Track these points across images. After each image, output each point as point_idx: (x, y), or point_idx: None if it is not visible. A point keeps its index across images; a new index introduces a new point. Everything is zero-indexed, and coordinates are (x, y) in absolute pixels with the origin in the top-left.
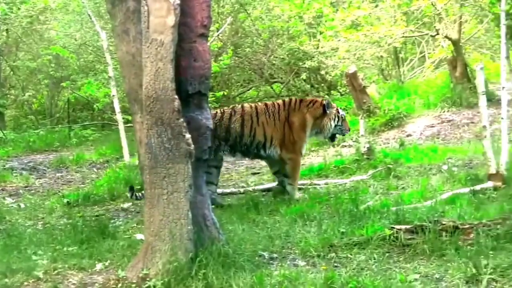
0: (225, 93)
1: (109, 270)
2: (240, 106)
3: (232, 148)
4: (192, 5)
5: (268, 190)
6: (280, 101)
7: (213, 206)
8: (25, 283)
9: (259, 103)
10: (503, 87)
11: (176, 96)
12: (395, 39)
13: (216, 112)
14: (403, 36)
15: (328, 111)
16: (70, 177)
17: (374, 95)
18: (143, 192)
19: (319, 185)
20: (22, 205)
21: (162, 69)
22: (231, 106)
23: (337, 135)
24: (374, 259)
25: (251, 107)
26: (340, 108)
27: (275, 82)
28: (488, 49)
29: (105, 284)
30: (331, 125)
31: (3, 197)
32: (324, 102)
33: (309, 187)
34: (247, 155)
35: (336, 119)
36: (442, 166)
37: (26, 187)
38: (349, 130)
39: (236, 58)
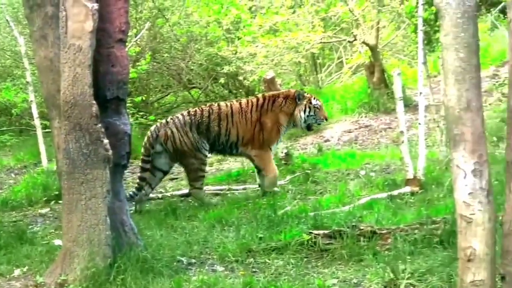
0: (144, 99)
1: (27, 276)
2: (217, 104)
3: (211, 146)
4: (110, 11)
5: (187, 195)
6: (255, 99)
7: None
8: None
9: (235, 102)
10: (421, 93)
11: (94, 102)
12: (313, 45)
13: (196, 110)
14: (321, 42)
15: (299, 102)
16: None
17: None
18: (130, 194)
19: (237, 190)
20: None
21: (80, 75)
22: (208, 105)
23: (314, 125)
24: (292, 264)
25: (226, 106)
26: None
27: (194, 87)
28: (406, 55)
29: None
30: (301, 117)
31: None
32: (296, 94)
33: (227, 192)
34: (224, 153)
35: (308, 109)
36: (360, 171)
37: None
38: (325, 119)
39: (154, 64)
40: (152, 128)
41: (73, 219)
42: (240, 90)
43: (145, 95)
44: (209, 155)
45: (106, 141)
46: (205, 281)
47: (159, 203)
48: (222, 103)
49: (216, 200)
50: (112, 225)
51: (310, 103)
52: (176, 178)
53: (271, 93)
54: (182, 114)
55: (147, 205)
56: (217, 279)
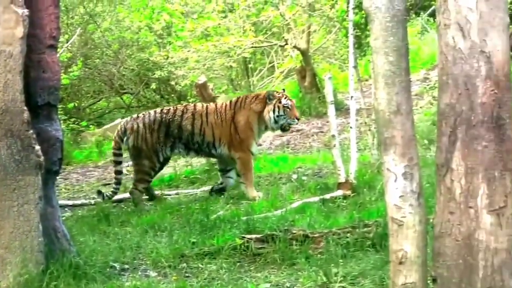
0: (76, 104)
1: None
2: (192, 104)
3: (185, 146)
4: (41, 16)
5: (120, 201)
6: (228, 101)
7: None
8: None
9: (211, 104)
10: (352, 96)
11: (26, 108)
12: (244, 49)
13: (169, 108)
14: (252, 46)
15: (268, 102)
16: None
17: None
18: (112, 190)
19: (170, 195)
20: None
21: (11, 81)
22: (184, 104)
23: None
24: (225, 268)
25: (202, 106)
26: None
27: (126, 93)
28: (337, 59)
29: None
30: (270, 117)
31: None
32: (266, 94)
33: (160, 197)
34: (200, 153)
35: (277, 109)
36: (291, 175)
37: None
38: (297, 119)
39: (86, 69)
40: (123, 121)
41: (5, 226)
42: (172, 95)
43: (77, 101)
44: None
45: (37, 147)
46: (138, 286)
47: (91, 209)
48: (198, 104)
49: (148, 206)
50: (44, 232)
51: (280, 102)
52: (109, 184)
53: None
54: (154, 111)
55: (79, 211)
56: (150, 284)
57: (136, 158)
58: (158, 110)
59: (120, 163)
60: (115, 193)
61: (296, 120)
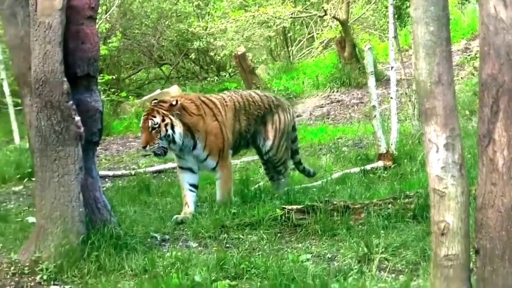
0: (115, 76)
1: (1, 253)
2: None
3: None
4: None
5: (159, 172)
6: None
7: None
8: None
9: None
10: (392, 67)
11: (65, 79)
12: (283, 19)
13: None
14: (291, 17)
15: None
16: None
17: (263, 75)
18: None
19: None
20: None
21: (50, 52)
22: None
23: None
24: (266, 239)
25: None
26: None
27: (165, 63)
28: (377, 29)
29: None
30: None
31: None
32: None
33: None
34: None
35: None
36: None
37: None
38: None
39: (125, 40)
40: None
41: (46, 197)
42: (211, 66)
43: (116, 72)
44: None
45: (77, 118)
46: (179, 257)
47: (132, 180)
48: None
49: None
50: (85, 202)
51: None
52: (149, 155)
53: None
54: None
55: (119, 181)
56: (190, 255)
57: None
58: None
59: None
60: None
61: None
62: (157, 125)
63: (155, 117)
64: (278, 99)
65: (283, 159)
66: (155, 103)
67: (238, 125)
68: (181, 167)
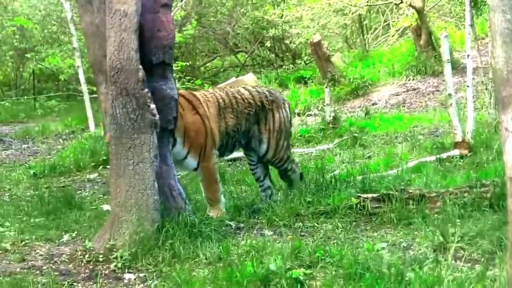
0: (190, 63)
1: (76, 241)
2: None
3: None
4: None
5: (234, 160)
6: None
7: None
8: None
9: None
10: (468, 55)
11: (141, 67)
12: (359, 7)
13: None
14: (367, 5)
15: None
16: (36, 148)
17: (339, 63)
18: None
19: None
20: None
21: (126, 40)
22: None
23: None
24: (341, 228)
25: None
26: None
27: (240, 51)
28: (453, 17)
29: (72, 255)
30: None
31: None
32: None
33: None
34: None
35: None
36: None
37: None
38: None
39: (200, 28)
40: None
41: (121, 184)
42: (287, 54)
43: (192, 60)
44: None
45: (153, 106)
46: (254, 245)
47: None
48: None
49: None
50: (160, 190)
51: None
52: None
53: None
54: None
55: None
56: (265, 243)
57: None
58: None
59: None
60: None
61: None
62: None
63: None
64: (272, 93)
65: (285, 158)
66: None
67: (224, 124)
68: None
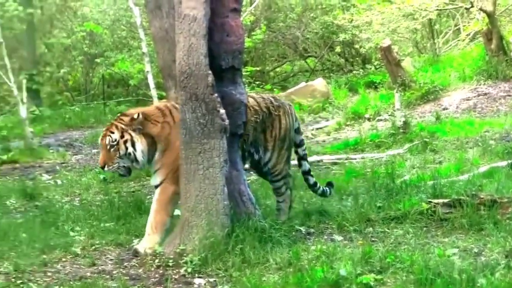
0: (259, 68)
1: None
2: None
3: None
4: None
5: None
6: None
7: None
8: (63, 259)
9: None
10: None
11: (210, 72)
12: (429, 11)
13: None
14: (437, 9)
15: None
16: None
17: (409, 68)
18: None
19: (355, 159)
20: (59, 182)
21: (195, 45)
22: None
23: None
24: (412, 233)
25: None
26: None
27: (310, 56)
28: None
29: (142, 260)
30: None
31: (40, 173)
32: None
33: (345, 161)
34: None
35: None
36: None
37: (62, 163)
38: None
39: (270, 33)
40: None
41: (191, 189)
42: (357, 58)
43: (261, 65)
44: None
45: (222, 111)
46: (324, 250)
47: None
48: None
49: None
50: (229, 195)
51: None
52: None
53: None
54: None
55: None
56: (335, 248)
57: None
58: None
59: None
60: None
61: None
62: (115, 142)
63: (113, 133)
64: (277, 99)
65: (283, 172)
66: (116, 116)
67: None
68: None
